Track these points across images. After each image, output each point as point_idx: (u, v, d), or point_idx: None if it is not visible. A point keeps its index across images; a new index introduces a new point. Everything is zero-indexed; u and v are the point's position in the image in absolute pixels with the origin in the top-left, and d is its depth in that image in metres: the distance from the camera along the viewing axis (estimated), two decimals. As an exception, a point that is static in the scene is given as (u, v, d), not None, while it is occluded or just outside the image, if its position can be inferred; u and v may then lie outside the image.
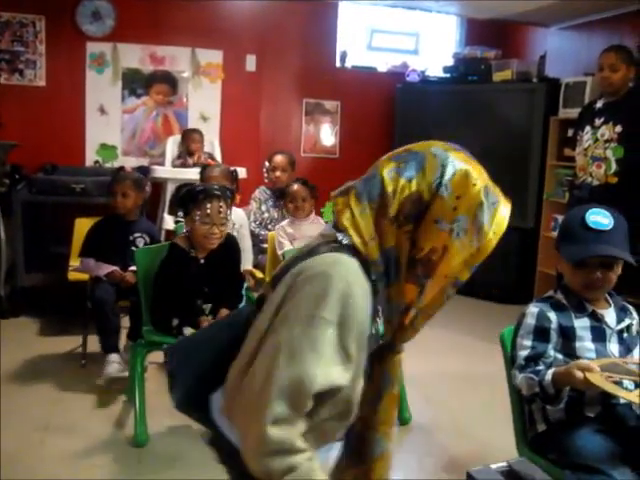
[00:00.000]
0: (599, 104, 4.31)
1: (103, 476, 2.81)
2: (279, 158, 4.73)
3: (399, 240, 1.28)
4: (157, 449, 3.02)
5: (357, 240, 1.28)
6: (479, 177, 1.30)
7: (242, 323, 1.38)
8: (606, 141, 4.18)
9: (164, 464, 2.90)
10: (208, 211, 2.97)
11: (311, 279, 1.23)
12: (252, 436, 1.21)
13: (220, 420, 1.38)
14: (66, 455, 2.92)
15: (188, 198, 3.04)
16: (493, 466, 1.56)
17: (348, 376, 1.23)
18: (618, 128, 4.13)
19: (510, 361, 2.21)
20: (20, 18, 5.28)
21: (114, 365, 3.50)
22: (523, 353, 2.09)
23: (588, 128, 4.32)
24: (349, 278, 1.23)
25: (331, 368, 1.20)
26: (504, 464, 1.57)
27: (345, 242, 1.29)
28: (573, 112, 4.92)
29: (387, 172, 1.30)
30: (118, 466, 2.90)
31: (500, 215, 1.29)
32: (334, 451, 1.40)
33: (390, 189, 1.28)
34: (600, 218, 2.07)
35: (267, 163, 4.79)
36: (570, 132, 4.97)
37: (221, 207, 3.01)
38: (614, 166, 4.14)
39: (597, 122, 4.25)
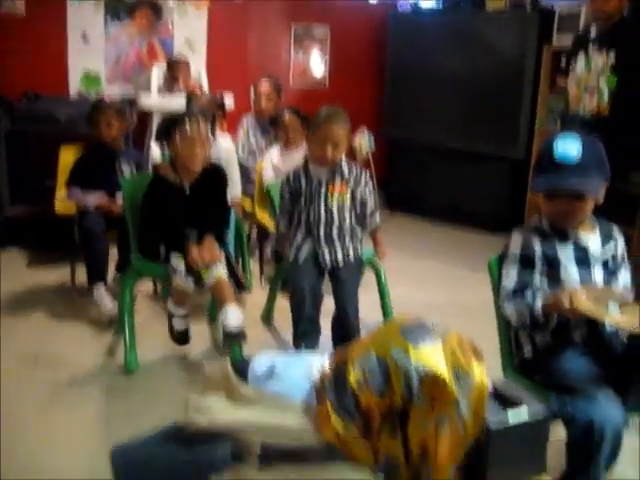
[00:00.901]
0: (592, 33, 4.22)
1: (93, 404, 2.84)
2: (264, 85, 4.67)
3: (392, 447, 1.33)
4: (148, 377, 3.05)
5: (349, 457, 1.33)
6: (446, 366, 1.31)
7: None
8: (600, 71, 4.12)
9: (155, 391, 2.93)
10: (188, 131, 2.98)
11: None
12: None
13: None
14: (56, 384, 2.94)
15: (169, 124, 3.05)
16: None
17: None
18: (612, 57, 4.07)
19: (497, 289, 2.23)
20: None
21: (107, 300, 3.54)
22: (510, 284, 2.09)
23: (582, 57, 4.25)
24: None
25: None
26: (489, 385, 1.59)
27: None
28: (567, 41, 4.83)
29: (356, 383, 1.32)
30: (108, 394, 2.93)
31: (476, 388, 1.33)
32: None
33: (365, 405, 1.32)
34: (569, 148, 2.02)
35: (253, 90, 4.72)
36: (564, 62, 4.89)
37: (201, 127, 3.02)
38: (607, 97, 4.09)
39: (591, 51, 4.18)
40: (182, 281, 2.92)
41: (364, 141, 5.50)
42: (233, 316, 2.78)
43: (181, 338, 3.17)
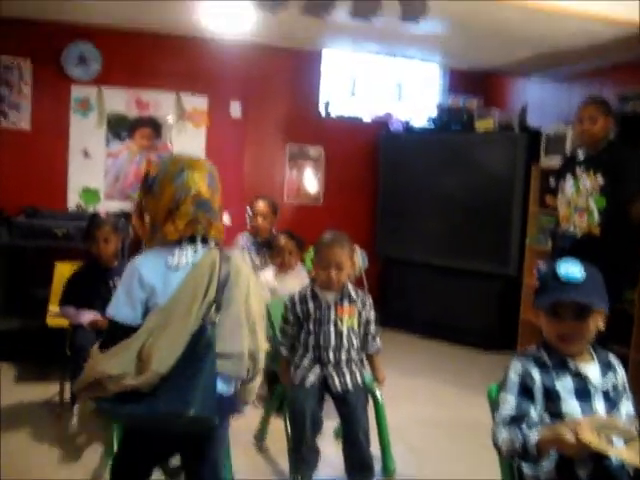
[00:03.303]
0: (580, 155, 4.31)
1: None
2: (260, 204, 4.73)
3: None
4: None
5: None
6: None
7: None
8: (588, 192, 4.18)
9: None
10: None
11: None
12: None
13: None
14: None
15: None
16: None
17: None
18: (600, 179, 4.13)
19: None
20: (5, 61, 5.28)
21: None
22: (507, 411, 2.03)
23: (570, 178, 4.32)
24: None
25: None
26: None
27: None
28: (554, 161, 4.99)
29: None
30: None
31: None
32: None
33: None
34: (571, 269, 2.05)
35: (249, 209, 4.78)
36: (552, 180, 5.00)
37: None
38: (597, 217, 4.13)
39: (579, 172, 4.25)
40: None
41: (357, 259, 5.53)
42: None
43: (174, 472, 3.07)
